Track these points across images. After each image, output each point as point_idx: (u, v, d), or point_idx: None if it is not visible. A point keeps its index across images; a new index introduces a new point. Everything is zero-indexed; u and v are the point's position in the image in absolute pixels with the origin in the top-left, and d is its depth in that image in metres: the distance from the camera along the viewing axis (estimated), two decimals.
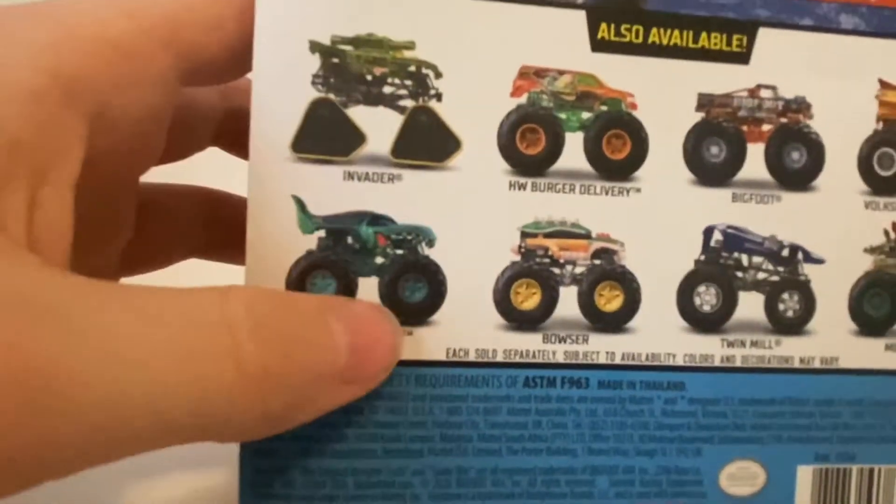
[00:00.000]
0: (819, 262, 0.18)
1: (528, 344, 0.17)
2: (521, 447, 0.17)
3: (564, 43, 0.17)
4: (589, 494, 0.17)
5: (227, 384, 0.12)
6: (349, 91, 0.16)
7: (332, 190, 0.16)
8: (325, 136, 0.16)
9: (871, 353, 0.18)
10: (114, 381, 0.11)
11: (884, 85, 0.18)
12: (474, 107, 0.16)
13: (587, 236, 0.17)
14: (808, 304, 0.18)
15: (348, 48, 0.16)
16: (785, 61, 0.17)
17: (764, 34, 0.17)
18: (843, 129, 0.18)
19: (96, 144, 0.14)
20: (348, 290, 0.16)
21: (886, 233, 0.18)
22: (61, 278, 0.12)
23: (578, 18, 0.17)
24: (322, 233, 0.16)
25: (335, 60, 0.16)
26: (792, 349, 0.18)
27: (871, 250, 0.18)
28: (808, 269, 0.18)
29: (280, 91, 0.16)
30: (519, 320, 0.17)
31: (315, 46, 0.16)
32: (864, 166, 0.18)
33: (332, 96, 0.16)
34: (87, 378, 0.11)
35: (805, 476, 0.18)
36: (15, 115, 0.12)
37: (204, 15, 0.15)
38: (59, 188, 0.13)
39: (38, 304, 0.11)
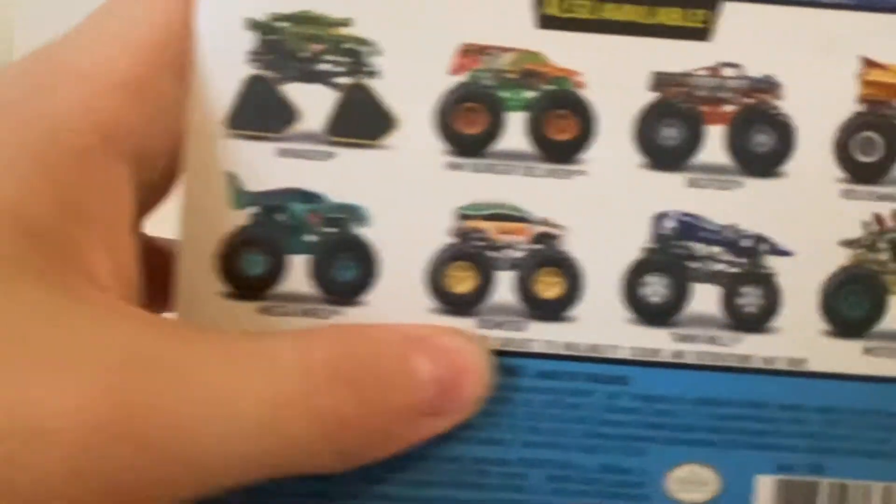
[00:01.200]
0: (786, 254, 0.16)
1: (461, 328, 0.16)
2: (450, 434, 0.16)
3: (508, 19, 0.16)
4: (521, 488, 0.17)
5: (302, 432, 0.13)
6: (285, 68, 0.16)
7: (266, 166, 0.16)
8: (259, 112, 0.16)
9: (845, 357, 0.17)
10: (204, 427, 0.12)
11: (868, 63, 0.16)
12: (412, 85, 0.16)
13: (527, 220, 0.16)
14: (773, 300, 0.16)
15: (286, 25, 0.16)
16: (752, 38, 0.16)
17: (729, 8, 0.16)
18: (817, 110, 0.16)
19: (138, 186, 0.15)
20: (279, 267, 0.16)
21: (866, 224, 0.16)
22: (164, 330, 0.13)
23: None
24: (255, 209, 0.16)
25: (272, 38, 0.16)
26: (752, 347, 0.16)
27: (848, 243, 0.16)
28: (773, 262, 0.16)
29: (217, 68, 0.16)
30: (453, 304, 0.16)
31: (252, 24, 0.16)
32: (842, 151, 0.16)
33: (268, 73, 0.16)
34: (184, 425, 0.12)
35: (765, 487, 0.17)
36: (75, 179, 0.13)
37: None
38: (124, 236, 0.14)
39: (147, 357, 0.12)
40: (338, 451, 0.14)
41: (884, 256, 0.17)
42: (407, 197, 0.16)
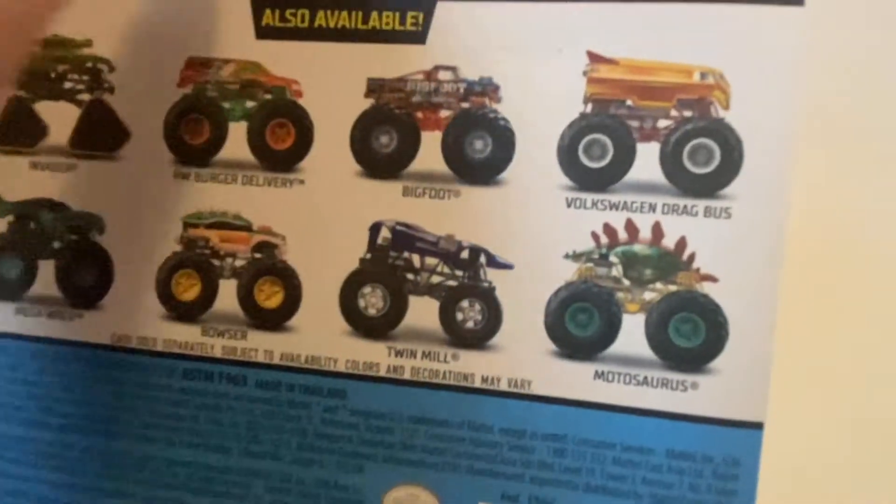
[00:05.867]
0: (506, 267, 0.15)
1: (188, 335, 0.17)
2: (179, 439, 0.17)
3: (230, 31, 0.16)
4: (244, 497, 0.16)
5: None
6: (37, 88, 0.17)
7: (21, 178, 0.17)
8: (16, 130, 0.17)
9: (574, 380, 0.15)
10: None
11: (594, 58, 0.15)
12: (143, 98, 0.17)
13: (248, 228, 0.16)
14: (493, 316, 0.15)
15: (38, 49, 0.17)
16: (468, 38, 0.15)
17: (441, 8, 0.15)
18: (539, 112, 0.15)
19: None
20: (31, 271, 0.17)
21: (595, 236, 0.15)
22: None
23: (243, 5, 0.16)
24: (11, 217, 0.17)
25: (27, 62, 0.17)
26: (472, 365, 0.15)
27: (575, 256, 0.15)
28: (493, 275, 0.15)
29: None
30: (179, 311, 0.17)
31: None
32: (567, 156, 0.15)
33: (23, 94, 0.17)
34: None
35: None
36: None
37: None
38: None
39: None
40: None
41: (616, 272, 0.15)
42: (139, 206, 0.17)
